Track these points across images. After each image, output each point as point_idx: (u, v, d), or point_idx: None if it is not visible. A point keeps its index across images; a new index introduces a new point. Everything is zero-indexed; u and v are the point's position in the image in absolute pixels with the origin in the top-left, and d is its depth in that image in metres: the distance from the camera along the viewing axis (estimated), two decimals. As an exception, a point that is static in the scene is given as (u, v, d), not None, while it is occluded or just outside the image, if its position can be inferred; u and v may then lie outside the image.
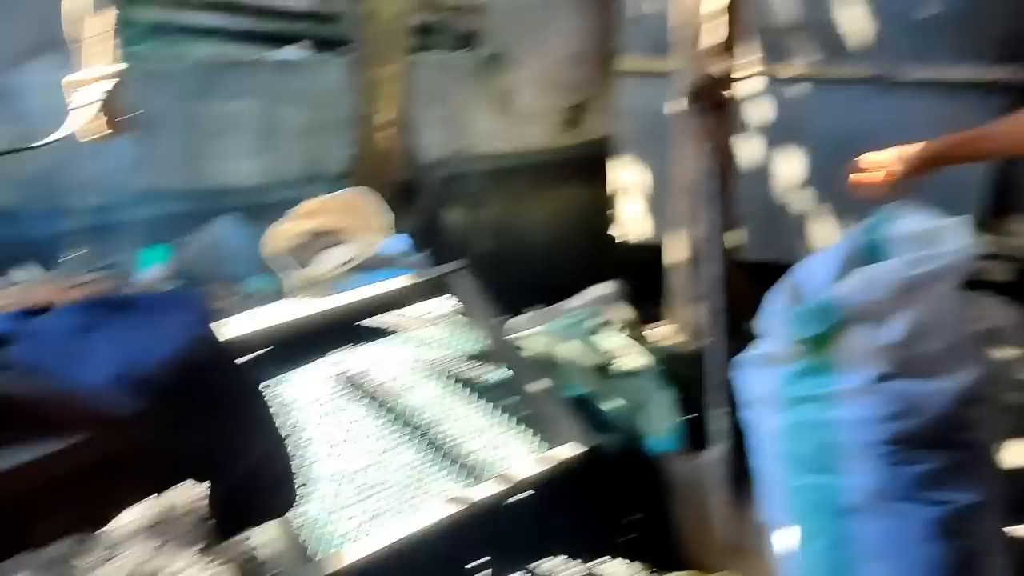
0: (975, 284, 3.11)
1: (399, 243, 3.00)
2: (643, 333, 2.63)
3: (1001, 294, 3.12)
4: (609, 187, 4.45)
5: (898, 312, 1.65)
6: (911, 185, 1.80)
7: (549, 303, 3.38)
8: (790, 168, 3.50)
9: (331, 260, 2.94)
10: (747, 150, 3.68)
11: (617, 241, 4.50)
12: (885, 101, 3.18)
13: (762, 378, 1.86)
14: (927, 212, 1.81)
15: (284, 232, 2.84)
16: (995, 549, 1.73)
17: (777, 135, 3.54)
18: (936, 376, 1.68)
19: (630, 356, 2.31)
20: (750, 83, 3.61)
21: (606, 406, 2.16)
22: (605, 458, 2.02)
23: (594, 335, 2.34)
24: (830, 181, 3.39)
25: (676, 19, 2.46)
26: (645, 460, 2.16)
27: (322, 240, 3.04)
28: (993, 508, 1.75)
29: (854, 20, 3.19)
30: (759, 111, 3.60)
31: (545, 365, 2.19)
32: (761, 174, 3.61)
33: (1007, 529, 2.51)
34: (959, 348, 1.70)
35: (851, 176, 1.84)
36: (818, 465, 1.74)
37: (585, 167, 4.79)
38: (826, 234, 3.43)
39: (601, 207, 4.64)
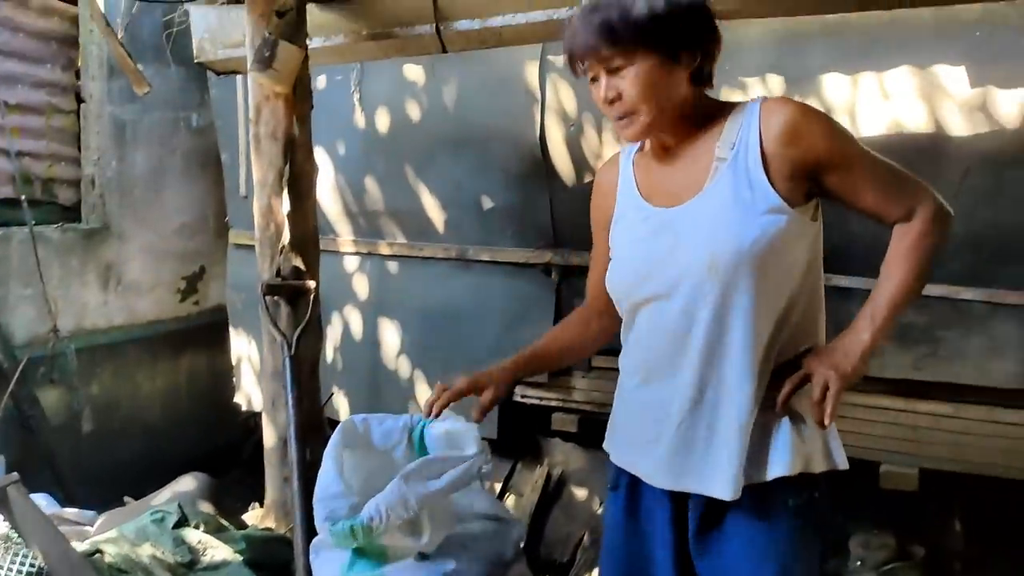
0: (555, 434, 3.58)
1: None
2: (240, 517, 2.64)
3: (569, 441, 3.59)
4: (231, 355, 4.45)
5: (422, 518, 1.84)
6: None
7: (167, 478, 3.25)
8: (392, 336, 3.78)
9: None
10: (353, 321, 3.92)
11: (243, 409, 4.48)
12: (464, 278, 3.60)
13: (325, 563, 1.96)
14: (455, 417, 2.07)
15: None
16: None
17: (379, 306, 3.82)
18: (469, 548, 1.90)
19: (216, 548, 2.30)
20: (353, 260, 3.90)
21: (188, 606, 2.12)
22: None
23: (178, 530, 2.31)
24: (425, 347, 3.73)
25: (258, 216, 2.62)
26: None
27: None
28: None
29: (436, 208, 3.61)
30: (362, 285, 3.87)
31: (120, 570, 2.12)
32: (367, 342, 3.85)
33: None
34: (478, 537, 1.95)
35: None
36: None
37: (204, 336, 4.74)
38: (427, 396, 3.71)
39: (222, 376, 4.60)
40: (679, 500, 1.57)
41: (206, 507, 2.49)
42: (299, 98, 2.55)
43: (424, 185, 3.61)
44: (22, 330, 3.84)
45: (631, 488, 1.66)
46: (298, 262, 2.58)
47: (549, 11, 2.52)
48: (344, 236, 3.88)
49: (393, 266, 3.78)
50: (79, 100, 4.33)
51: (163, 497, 2.54)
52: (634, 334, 1.62)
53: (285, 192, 2.54)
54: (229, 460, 4.44)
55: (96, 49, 4.27)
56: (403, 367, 3.76)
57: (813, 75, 2.89)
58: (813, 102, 2.90)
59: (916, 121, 2.77)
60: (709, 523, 1.54)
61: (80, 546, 2.17)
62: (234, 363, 4.42)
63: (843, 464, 1.54)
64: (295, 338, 2.52)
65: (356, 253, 3.86)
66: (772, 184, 1.42)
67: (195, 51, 2.97)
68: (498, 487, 3.81)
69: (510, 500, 3.81)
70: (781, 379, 1.49)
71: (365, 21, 2.74)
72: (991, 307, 2.78)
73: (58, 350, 3.87)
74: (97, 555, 2.17)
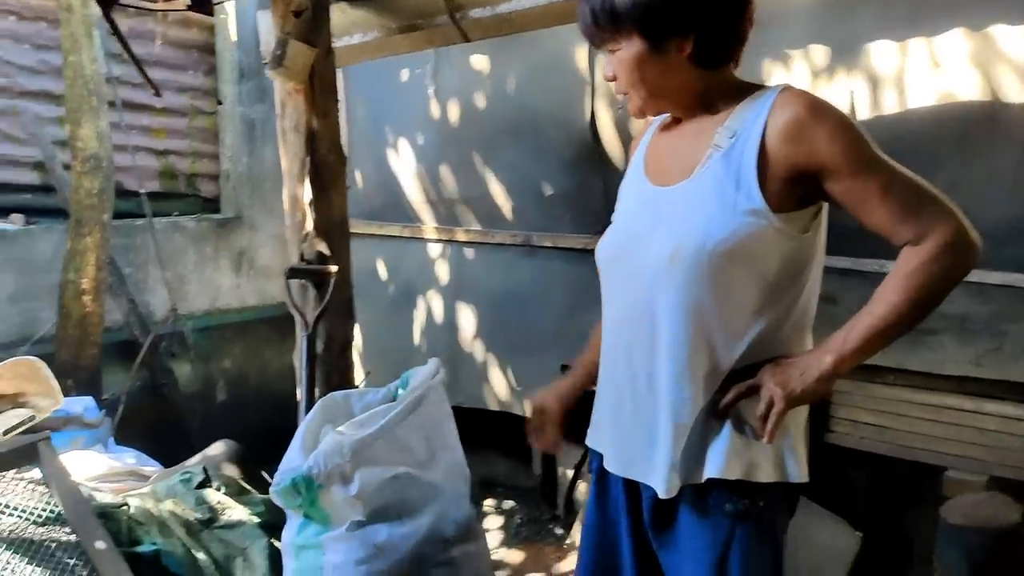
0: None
1: (80, 406, 3.16)
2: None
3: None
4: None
5: (359, 468, 1.96)
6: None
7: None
8: (466, 319, 3.90)
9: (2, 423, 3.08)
10: (434, 304, 4.08)
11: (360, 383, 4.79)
12: (529, 263, 3.64)
13: (285, 532, 2.13)
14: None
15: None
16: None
17: (457, 291, 3.95)
18: (404, 520, 1.98)
19: (234, 509, 2.53)
20: (436, 247, 4.05)
21: (197, 559, 2.36)
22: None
23: (200, 490, 2.56)
24: (496, 331, 3.81)
25: (286, 205, 2.82)
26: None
27: (-3, 404, 3.18)
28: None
29: (503, 195, 3.68)
30: (443, 270, 4.02)
31: (138, 522, 2.39)
32: (447, 325, 4.00)
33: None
34: (423, 492, 2.03)
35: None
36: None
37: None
38: (499, 379, 3.80)
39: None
40: (634, 488, 1.53)
41: (231, 471, 2.74)
42: (320, 93, 2.71)
43: (492, 173, 3.68)
44: (160, 308, 4.35)
45: (600, 474, 1.62)
46: (322, 247, 2.75)
47: (552, -6, 2.52)
48: (427, 223, 4.04)
49: (470, 252, 3.89)
50: (219, 102, 4.81)
51: (195, 460, 2.81)
52: (608, 313, 1.57)
53: (307, 181, 2.71)
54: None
55: (229, 55, 4.71)
56: (477, 350, 3.87)
57: (860, 43, 2.66)
58: (860, 72, 2.68)
59: (970, 90, 2.47)
60: (661, 515, 1.48)
61: (108, 497, 2.47)
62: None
63: (796, 477, 1.41)
64: (314, 318, 2.70)
65: (438, 240, 4.01)
66: (763, 184, 1.33)
67: (262, 53, 3.22)
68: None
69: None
70: (732, 384, 1.39)
71: (392, 16, 2.86)
72: (1061, 298, 2.44)
73: (178, 327, 4.33)
74: (123, 507, 2.47)
